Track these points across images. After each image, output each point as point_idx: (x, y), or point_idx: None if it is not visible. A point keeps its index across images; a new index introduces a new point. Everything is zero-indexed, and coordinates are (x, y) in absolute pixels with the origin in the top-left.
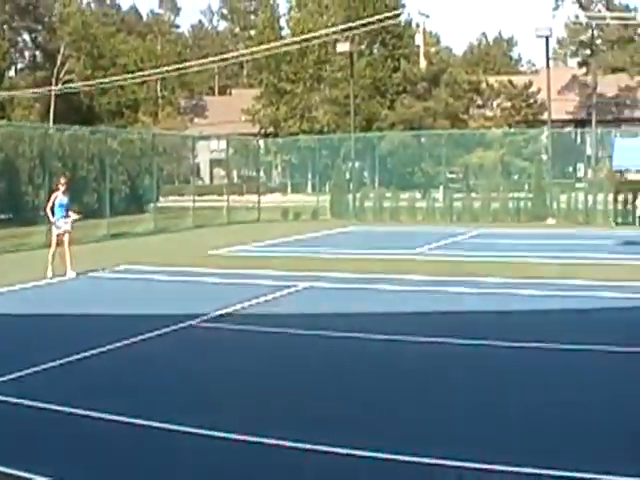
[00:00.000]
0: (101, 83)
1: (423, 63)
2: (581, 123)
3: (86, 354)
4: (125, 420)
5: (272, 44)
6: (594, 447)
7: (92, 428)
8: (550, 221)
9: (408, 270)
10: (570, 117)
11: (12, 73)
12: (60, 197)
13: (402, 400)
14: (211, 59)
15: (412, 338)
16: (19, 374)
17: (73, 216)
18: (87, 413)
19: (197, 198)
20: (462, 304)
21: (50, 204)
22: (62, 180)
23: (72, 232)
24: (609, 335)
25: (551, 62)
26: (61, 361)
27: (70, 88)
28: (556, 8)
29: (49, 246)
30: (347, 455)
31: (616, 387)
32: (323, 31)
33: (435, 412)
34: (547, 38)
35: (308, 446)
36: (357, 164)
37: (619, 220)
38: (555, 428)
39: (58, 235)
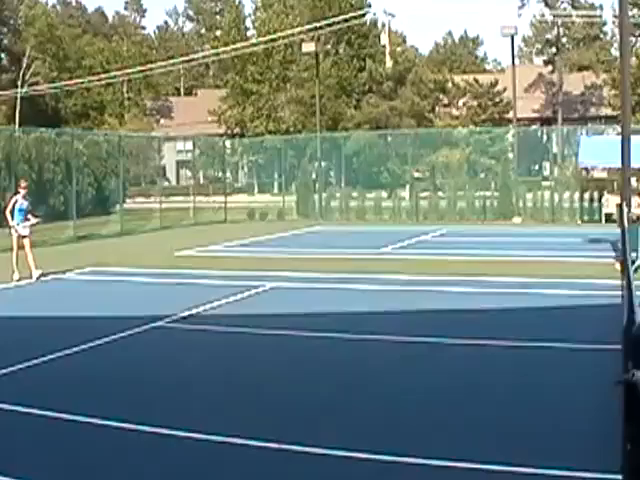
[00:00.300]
0: (67, 85)
1: (389, 62)
2: (547, 121)
3: (51, 356)
4: (82, 420)
5: (238, 45)
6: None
7: (48, 428)
8: (516, 219)
9: (373, 270)
10: (536, 115)
11: None
12: (20, 201)
13: (367, 399)
14: (177, 60)
15: (377, 337)
16: None
17: (32, 220)
18: (43, 413)
19: (164, 199)
20: (427, 303)
21: (10, 207)
22: (22, 184)
23: (32, 236)
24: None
25: (517, 60)
26: (21, 365)
27: (36, 90)
28: (522, 6)
29: (11, 249)
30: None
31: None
32: (289, 31)
33: (389, 409)
34: (513, 36)
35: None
36: (323, 164)
37: (585, 218)
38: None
39: (18, 238)
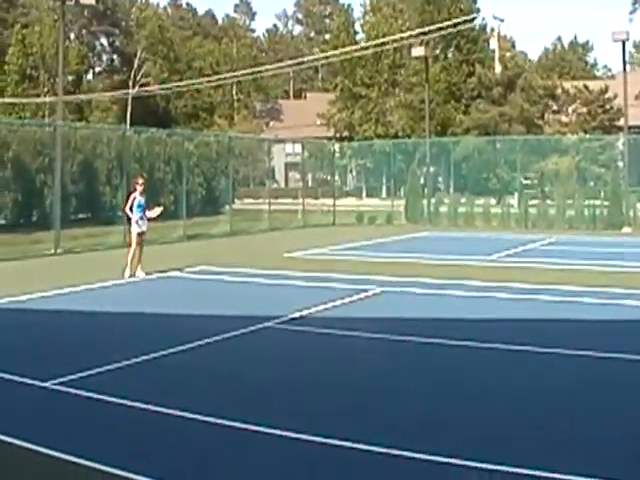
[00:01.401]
0: (177, 86)
1: (498, 68)
2: None
3: (164, 352)
4: (200, 418)
5: (347, 48)
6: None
7: (166, 425)
8: (626, 229)
9: (482, 277)
10: None
11: (90, 76)
12: (138, 198)
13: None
14: (286, 63)
15: (478, 344)
16: (99, 370)
17: (156, 210)
18: (160, 410)
19: (272, 201)
20: (536, 312)
21: (129, 205)
22: (139, 181)
23: (147, 233)
24: None
25: (628, 67)
26: (137, 359)
27: (147, 91)
28: (633, 11)
29: (129, 246)
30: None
31: None
32: (397, 35)
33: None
34: (624, 42)
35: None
36: (432, 169)
37: None
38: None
39: (138, 235)
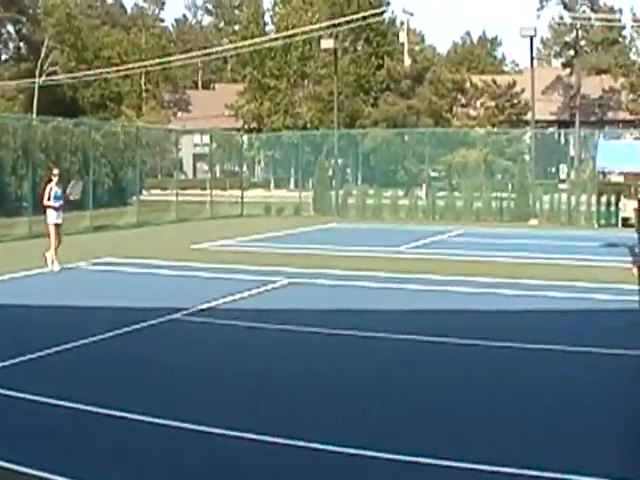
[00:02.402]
0: (85, 76)
1: (407, 61)
2: (564, 124)
3: (67, 346)
4: (95, 410)
5: (256, 39)
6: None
7: (65, 418)
8: (533, 221)
9: (389, 268)
10: (554, 118)
11: None
12: (54, 188)
13: (374, 395)
14: (195, 53)
15: (387, 335)
16: (3, 364)
17: (76, 188)
18: (58, 402)
19: (180, 192)
20: (442, 302)
21: (46, 196)
22: (55, 171)
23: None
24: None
25: (535, 62)
26: (40, 353)
27: (54, 80)
28: (541, 8)
29: (48, 238)
30: (318, 450)
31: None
32: (307, 27)
33: (398, 406)
34: (531, 38)
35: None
36: (340, 161)
37: (602, 222)
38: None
39: (55, 226)
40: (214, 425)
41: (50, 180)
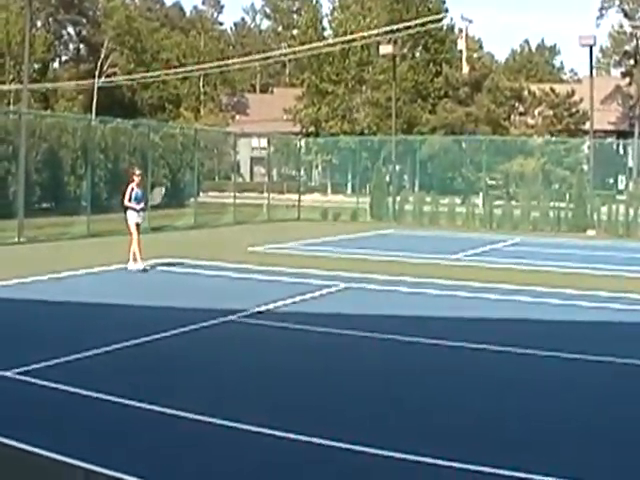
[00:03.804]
0: (143, 77)
1: (465, 68)
2: (623, 134)
3: (127, 344)
4: (159, 410)
5: (315, 44)
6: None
7: (125, 415)
8: (590, 232)
9: (445, 275)
10: (612, 128)
11: (56, 65)
12: (135, 190)
13: (436, 402)
14: (253, 57)
15: (446, 342)
16: (67, 359)
17: (157, 194)
18: (121, 401)
19: (237, 195)
20: (502, 312)
21: (127, 197)
22: (137, 172)
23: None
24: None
25: (594, 71)
26: (98, 350)
27: (113, 81)
28: (600, 17)
29: (130, 237)
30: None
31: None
32: (366, 33)
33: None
34: (591, 47)
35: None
36: (397, 167)
37: None
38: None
39: (136, 225)
40: (267, 426)
41: (132, 180)
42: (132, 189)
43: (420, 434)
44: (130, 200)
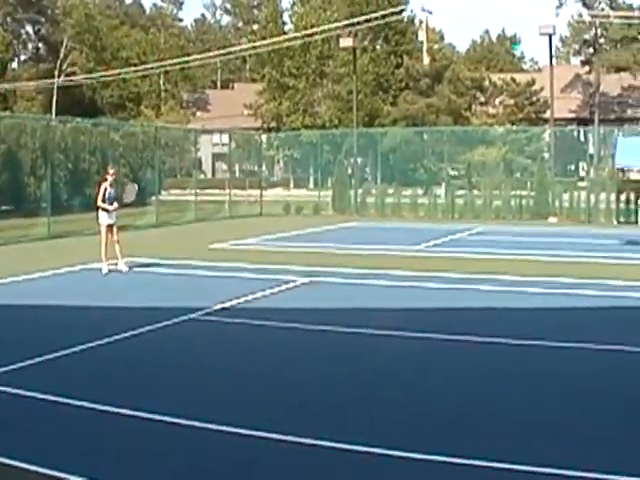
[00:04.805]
0: (104, 76)
1: (426, 59)
2: (584, 122)
3: (82, 347)
4: (115, 411)
5: (275, 39)
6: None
7: (90, 418)
8: (552, 219)
9: (408, 267)
10: (573, 116)
11: (15, 65)
12: (109, 189)
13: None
14: (214, 53)
15: (408, 334)
16: (21, 365)
17: (130, 191)
18: (83, 404)
19: (199, 192)
20: (461, 301)
21: (100, 197)
22: (110, 171)
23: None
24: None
25: (554, 60)
26: (58, 354)
27: (73, 81)
28: (560, 6)
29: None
30: (345, 450)
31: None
32: (326, 26)
33: (419, 405)
34: (550, 36)
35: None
36: (359, 160)
37: (621, 219)
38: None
39: (108, 226)
40: (230, 424)
41: (105, 179)
42: (105, 189)
43: (375, 425)
44: (104, 200)
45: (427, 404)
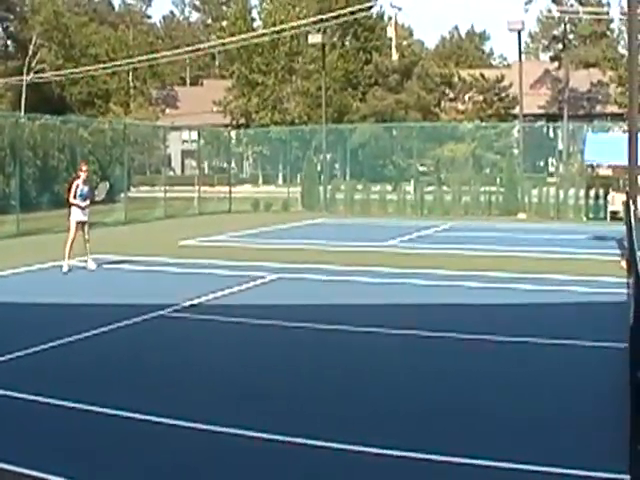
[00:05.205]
0: (72, 73)
1: (395, 56)
2: (553, 118)
3: (52, 344)
4: (83, 408)
5: (244, 35)
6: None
7: (46, 415)
8: (521, 215)
9: (378, 263)
10: (542, 111)
11: None
12: (81, 186)
13: (365, 390)
14: (183, 50)
15: (380, 330)
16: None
17: (101, 189)
18: (44, 400)
19: (168, 189)
20: (431, 297)
21: (72, 193)
22: (83, 167)
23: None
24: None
25: (523, 56)
26: (20, 353)
27: (41, 78)
28: (529, 2)
29: (68, 237)
30: (301, 445)
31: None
32: (295, 23)
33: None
34: (519, 32)
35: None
36: (328, 156)
37: (590, 215)
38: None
39: (79, 224)
40: (201, 421)
41: (77, 177)
42: (77, 185)
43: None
44: (75, 197)
45: (395, 400)
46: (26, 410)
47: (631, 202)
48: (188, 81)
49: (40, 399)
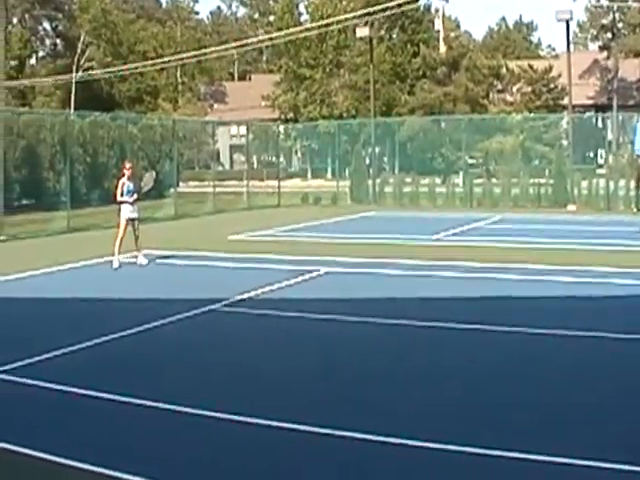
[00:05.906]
0: (121, 70)
1: (443, 48)
2: (602, 108)
3: (106, 338)
4: (146, 403)
5: (291, 30)
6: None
7: (110, 410)
8: (571, 207)
9: (427, 256)
10: (591, 102)
11: (33, 61)
12: (127, 183)
13: (415, 382)
14: (230, 45)
15: (424, 323)
16: (46, 356)
17: (148, 179)
18: (104, 395)
19: (217, 183)
20: (492, 290)
21: (119, 192)
22: (127, 165)
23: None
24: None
25: (572, 46)
26: (81, 345)
27: (90, 75)
28: None
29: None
30: (362, 440)
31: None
32: (342, 16)
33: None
34: (567, 22)
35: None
36: (377, 149)
37: None
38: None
39: (129, 220)
40: (254, 416)
41: (123, 175)
42: (123, 184)
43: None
44: (122, 195)
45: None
46: (81, 404)
47: None
48: (236, 76)
49: (96, 394)
